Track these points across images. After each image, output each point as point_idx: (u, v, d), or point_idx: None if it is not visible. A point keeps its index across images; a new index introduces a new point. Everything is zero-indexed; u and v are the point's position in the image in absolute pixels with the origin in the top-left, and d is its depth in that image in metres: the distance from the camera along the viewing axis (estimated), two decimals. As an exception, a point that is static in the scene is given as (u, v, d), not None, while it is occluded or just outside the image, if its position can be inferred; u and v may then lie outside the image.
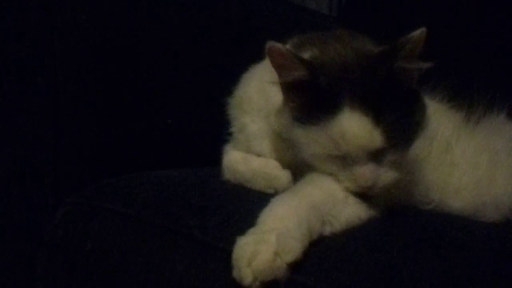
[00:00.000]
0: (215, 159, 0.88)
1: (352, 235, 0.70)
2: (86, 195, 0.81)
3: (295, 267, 0.62)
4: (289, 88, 0.75)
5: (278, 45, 0.72)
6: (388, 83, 0.72)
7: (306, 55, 0.77)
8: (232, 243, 0.64)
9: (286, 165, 0.82)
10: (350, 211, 0.73)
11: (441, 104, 0.96)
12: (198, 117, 1.00)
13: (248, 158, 0.85)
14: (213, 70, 0.98)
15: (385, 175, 0.73)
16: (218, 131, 0.88)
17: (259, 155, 0.85)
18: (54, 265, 0.79)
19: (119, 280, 0.72)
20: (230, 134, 0.89)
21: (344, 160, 0.73)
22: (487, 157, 0.89)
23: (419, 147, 0.82)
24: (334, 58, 0.75)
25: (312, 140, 0.73)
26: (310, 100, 0.73)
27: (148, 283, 0.70)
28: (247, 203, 0.75)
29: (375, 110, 0.71)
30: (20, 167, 0.90)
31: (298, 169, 0.79)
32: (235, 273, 0.62)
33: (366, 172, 0.72)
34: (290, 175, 0.82)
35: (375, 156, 0.73)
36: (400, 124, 0.72)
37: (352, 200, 0.74)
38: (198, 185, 0.83)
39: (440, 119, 0.93)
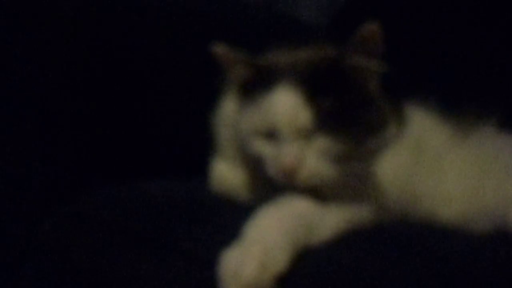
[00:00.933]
0: (205, 170, 0.88)
1: (339, 245, 0.69)
2: (75, 205, 0.81)
3: (282, 278, 0.62)
4: (239, 87, 0.77)
5: (220, 47, 0.74)
6: (334, 78, 0.71)
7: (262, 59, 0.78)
8: (219, 255, 0.63)
9: None
10: (338, 221, 0.72)
11: (431, 114, 0.96)
12: (189, 128, 1.00)
13: (234, 169, 0.85)
14: (201, 80, 0.98)
15: (311, 161, 0.70)
16: (208, 143, 0.88)
17: (245, 166, 0.84)
18: (41, 275, 0.79)
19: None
20: (215, 146, 0.88)
21: (273, 141, 0.72)
22: (477, 167, 0.89)
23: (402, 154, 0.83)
24: (286, 56, 0.76)
25: (247, 119, 0.74)
26: (252, 90, 0.74)
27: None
28: (235, 215, 0.73)
29: (309, 92, 0.70)
30: (8, 176, 0.89)
31: None
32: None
33: (290, 150, 0.70)
34: (276, 186, 0.81)
35: (305, 139, 0.70)
36: (338, 113, 0.70)
37: (340, 209, 0.73)
38: (186, 197, 0.83)
39: (431, 129, 0.93)
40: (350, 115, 0.71)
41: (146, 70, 0.99)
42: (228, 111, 0.83)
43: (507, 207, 0.83)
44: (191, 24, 1.07)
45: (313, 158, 0.70)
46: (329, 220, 0.71)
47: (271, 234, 0.64)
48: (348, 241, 0.71)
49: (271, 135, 0.72)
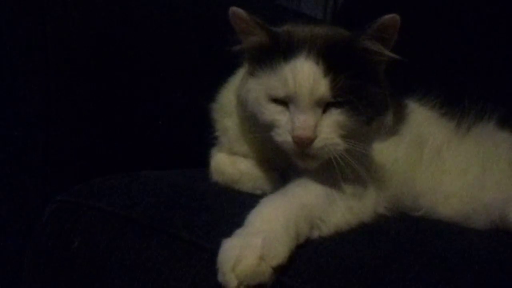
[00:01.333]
0: (204, 161, 0.88)
1: (340, 239, 0.70)
2: (75, 193, 0.81)
3: (281, 270, 0.62)
4: (253, 55, 0.77)
5: (239, 10, 0.74)
6: (349, 56, 0.73)
7: (279, 29, 0.78)
8: (218, 243, 0.64)
9: (271, 165, 0.83)
10: (340, 216, 0.72)
11: (433, 111, 0.96)
12: (188, 119, 1.00)
13: (235, 160, 0.85)
14: (202, 73, 0.98)
15: (325, 132, 0.71)
16: (207, 134, 0.89)
17: (244, 156, 0.85)
18: (41, 262, 0.79)
19: (105, 278, 0.72)
20: (215, 137, 0.89)
21: (288, 108, 0.73)
22: (477, 164, 0.90)
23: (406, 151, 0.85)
24: (303, 29, 0.77)
25: (261, 85, 0.74)
26: (269, 57, 0.74)
27: (134, 281, 0.70)
28: (235, 204, 0.75)
29: (327, 65, 0.71)
30: (10, 165, 0.90)
31: (285, 169, 0.80)
32: (220, 277, 0.61)
33: (306, 119, 0.71)
34: (277, 176, 0.82)
35: (320, 109, 0.72)
36: (351, 88, 0.72)
37: (342, 204, 0.73)
38: (186, 186, 0.83)
39: (432, 126, 0.94)
40: (361, 93, 0.72)
41: (149, 62, 1.00)
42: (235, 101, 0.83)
43: (506, 204, 0.84)
44: (192, 16, 1.07)
45: (327, 130, 0.72)
46: (333, 217, 0.72)
47: (273, 226, 0.64)
48: (349, 234, 0.71)
49: (286, 102, 0.73)
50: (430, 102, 0.95)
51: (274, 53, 0.74)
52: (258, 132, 0.76)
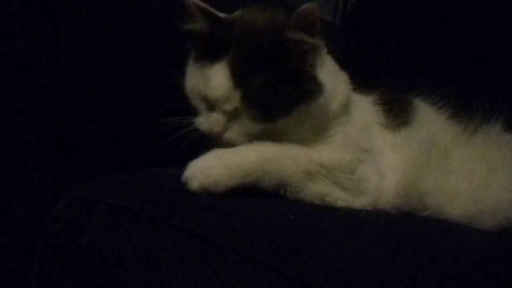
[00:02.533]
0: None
1: (347, 234, 0.70)
2: (86, 189, 0.81)
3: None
4: (197, 42, 0.85)
5: None
6: (273, 48, 0.79)
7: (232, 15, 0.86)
8: (229, 238, 0.66)
9: None
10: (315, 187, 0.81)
11: (441, 112, 0.97)
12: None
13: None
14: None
15: (232, 134, 0.82)
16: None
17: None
18: (52, 257, 0.79)
19: (115, 273, 0.73)
20: None
21: (209, 104, 0.83)
22: (484, 165, 0.90)
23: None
24: (242, 18, 0.84)
25: (193, 78, 0.85)
26: (206, 49, 0.83)
27: (144, 276, 0.70)
28: (244, 199, 0.77)
29: (243, 73, 0.79)
30: (21, 160, 0.90)
31: None
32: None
33: (217, 121, 0.82)
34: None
35: (233, 113, 0.81)
36: (268, 93, 0.79)
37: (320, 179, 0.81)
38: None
39: (440, 126, 0.94)
40: (281, 88, 0.80)
41: (161, 56, 1.00)
42: None
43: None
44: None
45: (234, 132, 0.82)
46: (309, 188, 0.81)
47: (244, 153, 0.78)
48: (356, 231, 0.72)
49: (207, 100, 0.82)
50: (438, 101, 0.96)
51: (209, 47, 0.82)
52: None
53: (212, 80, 0.81)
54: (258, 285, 0.63)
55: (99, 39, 0.93)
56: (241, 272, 0.65)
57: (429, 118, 0.95)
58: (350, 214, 0.78)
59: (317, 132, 0.85)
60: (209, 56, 0.82)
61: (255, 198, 0.78)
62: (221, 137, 0.82)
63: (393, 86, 0.96)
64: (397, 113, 0.93)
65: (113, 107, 0.94)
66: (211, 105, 0.83)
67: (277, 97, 0.80)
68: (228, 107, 0.81)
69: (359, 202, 0.85)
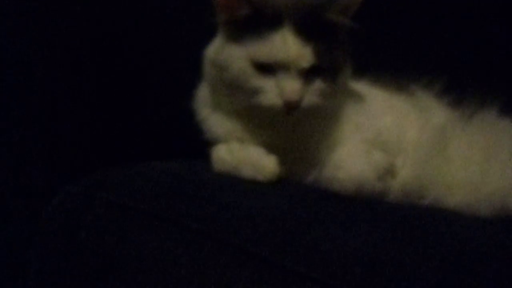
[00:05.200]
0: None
1: (344, 224, 0.70)
2: (82, 185, 0.81)
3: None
4: (234, 22, 0.82)
5: None
6: (320, 27, 0.81)
7: None
8: (226, 232, 0.66)
9: (269, 148, 0.85)
10: None
11: (438, 99, 0.96)
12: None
13: (233, 148, 0.86)
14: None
15: (311, 96, 0.80)
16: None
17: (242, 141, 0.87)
18: (49, 253, 0.79)
19: (113, 269, 0.73)
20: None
21: (274, 74, 0.79)
22: (480, 152, 0.90)
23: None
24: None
25: (246, 52, 0.80)
26: (252, 25, 0.80)
27: (142, 271, 0.70)
28: (240, 193, 0.76)
29: (309, 35, 0.80)
30: (17, 156, 0.90)
31: (282, 151, 0.84)
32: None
33: (294, 84, 0.79)
34: (276, 160, 0.83)
35: (305, 77, 0.80)
36: (327, 57, 0.81)
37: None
38: (192, 176, 0.83)
39: (438, 113, 0.94)
40: (332, 58, 0.82)
41: (153, 51, 1.00)
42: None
43: (509, 192, 0.84)
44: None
45: (311, 96, 0.80)
46: None
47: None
48: (351, 222, 0.72)
49: (271, 68, 0.79)
50: (434, 89, 0.96)
51: (259, 20, 0.80)
52: (238, 100, 0.83)
53: (282, 41, 0.78)
54: (256, 278, 0.63)
55: (93, 34, 0.93)
56: (239, 265, 0.65)
57: (428, 105, 0.95)
58: (347, 203, 0.78)
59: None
60: (259, 29, 0.80)
61: (252, 189, 0.79)
62: (296, 108, 0.80)
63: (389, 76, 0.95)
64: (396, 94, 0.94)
65: (108, 102, 0.94)
66: (283, 72, 0.79)
67: (337, 59, 0.82)
68: (304, 63, 0.79)
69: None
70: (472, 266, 0.65)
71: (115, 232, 0.74)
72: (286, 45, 0.78)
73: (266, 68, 0.79)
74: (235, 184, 0.81)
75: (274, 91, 0.79)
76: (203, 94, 0.92)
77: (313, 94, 0.80)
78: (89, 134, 0.93)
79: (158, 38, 1.02)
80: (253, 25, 0.80)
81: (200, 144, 0.89)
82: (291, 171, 0.85)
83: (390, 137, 0.88)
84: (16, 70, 0.90)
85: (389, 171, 0.82)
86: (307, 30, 0.80)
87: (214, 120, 0.89)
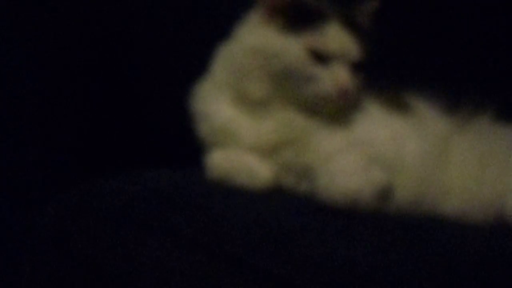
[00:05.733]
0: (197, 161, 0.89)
1: (338, 233, 0.70)
2: (74, 194, 0.81)
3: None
4: (275, 11, 0.85)
5: None
6: (355, 27, 0.87)
7: None
8: (219, 241, 0.65)
9: (266, 144, 0.86)
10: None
11: (433, 106, 0.96)
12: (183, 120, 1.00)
13: (228, 155, 0.86)
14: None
15: (356, 89, 0.85)
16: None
17: (237, 140, 0.87)
18: (41, 262, 0.79)
19: (106, 278, 0.72)
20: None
21: (327, 64, 0.83)
22: (476, 159, 0.89)
23: None
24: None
25: (301, 42, 0.83)
26: (298, 16, 0.84)
27: (133, 281, 0.70)
28: (234, 202, 0.76)
29: (351, 32, 0.85)
30: (9, 165, 0.90)
31: (280, 151, 0.85)
32: None
33: (347, 74, 0.83)
34: (271, 169, 0.84)
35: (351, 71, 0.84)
36: (364, 55, 0.86)
37: None
38: (186, 184, 0.83)
39: (433, 121, 0.93)
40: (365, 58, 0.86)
41: (148, 58, 1.00)
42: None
43: (505, 198, 0.83)
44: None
45: (356, 85, 0.85)
46: None
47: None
48: (344, 228, 0.71)
49: (325, 58, 0.83)
50: (429, 96, 0.95)
51: (306, 12, 0.84)
52: (287, 89, 0.85)
53: (336, 33, 0.84)
54: (249, 288, 0.63)
55: (91, 38, 0.93)
56: (232, 275, 0.64)
57: (423, 113, 0.94)
58: (341, 213, 0.77)
59: None
60: (314, 21, 0.84)
61: (246, 198, 0.78)
62: (346, 97, 0.84)
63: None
64: (391, 105, 0.93)
65: (101, 111, 0.94)
66: (336, 63, 0.83)
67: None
68: (354, 56, 0.84)
69: None
70: (468, 273, 0.64)
71: (107, 241, 0.74)
72: (340, 37, 0.84)
73: (320, 58, 0.83)
74: (228, 192, 0.81)
75: (328, 80, 0.83)
76: (208, 88, 0.91)
77: (356, 87, 0.84)
78: (83, 142, 0.92)
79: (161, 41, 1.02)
80: (303, 16, 0.84)
81: (194, 152, 0.88)
82: (286, 180, 0.85)
83: (389, 153, 0.87)
84: (10, 78, 0.90)
85: (387, 191, 0.81)
86: (349, 27, 0.85)
87: (220, 108, 0.89)
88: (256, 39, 0.87)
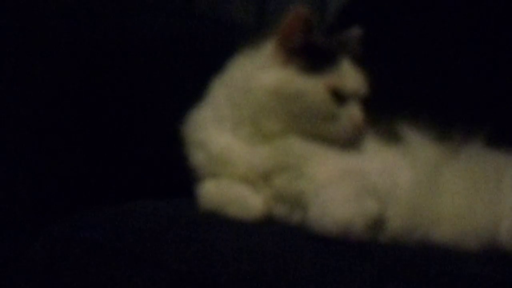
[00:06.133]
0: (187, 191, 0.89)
1: (329, 265, 0.69)
2: (63, 225, 0.80)
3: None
4: (291, 51, 0.87)
5: (305, 10, 0.85)
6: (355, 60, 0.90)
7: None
8: (209, 273, 0.64)
9: (261, 169, 0.86)
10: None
11: (424, 134, 0.96)
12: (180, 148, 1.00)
13: (221, 185, 0.86)
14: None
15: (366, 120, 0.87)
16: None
17: (233, 168, 0.87)
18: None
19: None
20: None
21: (344, 102, 0.86)
22: (467, 186, 0.89)
23: None
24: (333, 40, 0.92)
25: (321, 82, 0.85)
26: (314, 57, 0.86)
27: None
28: (225, 233, 0.75)
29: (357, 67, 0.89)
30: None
31: (274, 177, 0.85)
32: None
33: (360, 111, 0.87)
34: (264, 201, 0.83)
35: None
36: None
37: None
38: (175, 216, 0.83)
39: (424, 149, 0.93)
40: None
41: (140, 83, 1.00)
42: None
43: (497, 224, 0.83)
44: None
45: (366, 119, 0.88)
46: None
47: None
48: (336, 257, 0.71)
49: (342, 97, 0.86)
50: (419, 124, 0.95)
51: (325, 52, 0.87)
52: (305, 126, 0.87)
53: (350, 72, 0.88)
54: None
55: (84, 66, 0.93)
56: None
57: (414, 141, 0.94)
58: (333, 242, 0.77)
59: None
60: (330, 60, 0.87)
61: (236, 227, 0.78)
62: (359, 134, 0.87)
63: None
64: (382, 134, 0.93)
65: (91, 142, 0.94)
66: (353, 100, 0.87)
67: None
68: (364, 93, 0.88)
69: None
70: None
71: (98, 273, 0.73)
72: (354, 74, 0.88)
73: (339, 97, 0.86)
74: (220, 223, 0.80)
75: (345, 118, 0.86)
76: (207, 115, 0.91)
77: (366, 122, 0.87)
78: (72, 173, 0.92)
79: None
80: (317, 57, 0.86)
81: (185, 182, 0.88)
82: (278, 210, 0.85)
83: (381, 183, 0.86)
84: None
85: (379, 221, 0.80)
86: (355, 63, 0.89)
87: (218, 136, 0.89)
88: (276, 80, 0.87)
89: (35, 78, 0.89)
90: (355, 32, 0.94)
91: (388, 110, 0.92)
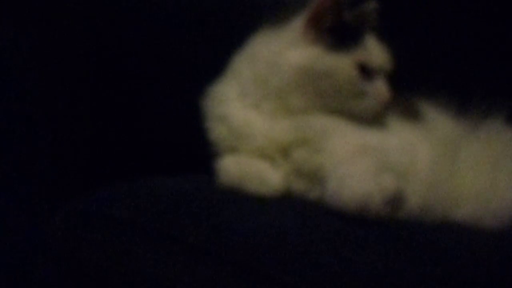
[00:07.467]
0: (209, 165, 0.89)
1: (347, 242, 0.69)
2: (83, 202, 0.81)
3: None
4: (321, 30, 0.87)
5: None
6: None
7: None
8: (227, 248, 0.65)
9: (280, 142, 0.86)
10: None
11: (443, 111, 0.95)
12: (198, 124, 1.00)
13: (239, 161, 0.86)
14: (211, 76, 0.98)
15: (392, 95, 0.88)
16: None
17: (252, 143, 0.87)
18: (51, 270, 0.79)
19: (113, 284, 0.73)
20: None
21: (371, 78, 0.87)
22: (488, 163, 0.88)
23: None
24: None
25: (350, 58, 0.86)
26: (341, 34, 0.87)
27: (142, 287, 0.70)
28: (243, 209, 0.76)
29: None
30: (17, 174, 0.90)
31: (293, 152, 0.85)
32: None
33: (387, 86, 0.88)
34: (282, 176, 0.84)
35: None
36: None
37: None
38: (193, 192, 0.82)
39: (445, 126, 0.93)
40: None
41: (154, 63, 1.00)
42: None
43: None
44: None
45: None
46: None
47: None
48: (356, 236, 0.70)
49: (370, 72, 0.87)
50: (438, 101, 0.95)
51: (351, 29, 0.88)
52: (334, 104, 0.87)
53: (378, 47, 0.89)
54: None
55: (90, 47, 0.93)
56: (240, 282, 0.64)
57: (434, 117, 0.94)
58: (348, 220, 0.77)
59: None
60: (357, 37, 0.88)
61: (255, 205, 0.78)
62: (386, 107, 0.88)
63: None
64: (402, 111, 0.93)
65: (108, 118, 0.94)
66: (380, 76, 0.88)
67: None
68: (391, 68, 0.90)
69: None
70: (480, 280, 0.64)
71: (117, 249, 0.73)
72: (380, 50, 0.89)
73: (367, 73, 0.87)
74: (238, 199, 0.80)
75: (373, 94, 0.87)
76: (229, 90, 0.92)
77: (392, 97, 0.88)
78: (90, 150, 0.92)
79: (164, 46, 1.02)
80: (344, 34, 0.87)
81: (203, 159, 0.88)
82: (297, 186, 0.85)
83: (401, 160, 0.85)
84: (17, 89, 0.90)
85: (397, 197, 0.79)
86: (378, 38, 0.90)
87: (240, 111, 0.89)
88: (306, 58, 0.87)
89: (55, 57, 0.89)
90: (372, 5, 0.93)
91: (407, 87, 0.92)
